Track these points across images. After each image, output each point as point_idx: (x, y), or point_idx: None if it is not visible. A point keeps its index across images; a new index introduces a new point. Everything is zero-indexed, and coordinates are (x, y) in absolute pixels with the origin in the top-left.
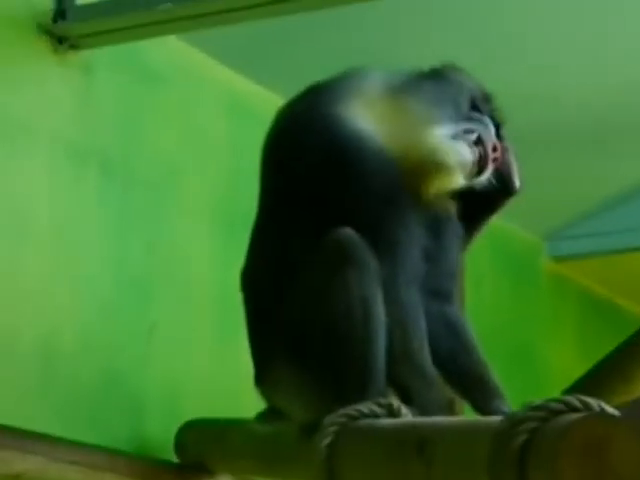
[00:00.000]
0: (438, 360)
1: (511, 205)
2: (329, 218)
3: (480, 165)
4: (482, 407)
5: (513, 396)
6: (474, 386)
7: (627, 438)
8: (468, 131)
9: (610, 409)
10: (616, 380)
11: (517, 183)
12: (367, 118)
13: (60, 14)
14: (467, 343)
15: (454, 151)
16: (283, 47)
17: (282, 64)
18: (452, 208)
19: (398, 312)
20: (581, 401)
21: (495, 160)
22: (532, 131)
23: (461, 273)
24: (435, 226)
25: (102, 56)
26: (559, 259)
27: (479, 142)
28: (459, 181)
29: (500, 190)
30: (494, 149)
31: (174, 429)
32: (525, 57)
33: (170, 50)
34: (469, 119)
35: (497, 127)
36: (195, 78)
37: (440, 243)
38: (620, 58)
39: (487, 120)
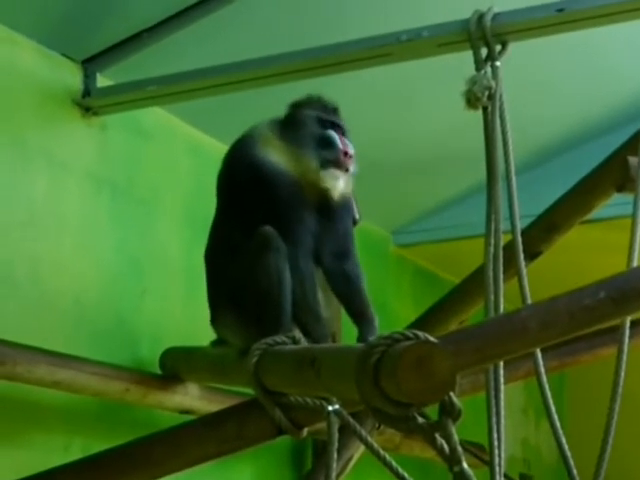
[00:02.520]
0: (339, 299)
1: (369, 210)
2: (256, 220)
3: (342, 168)
4: (360, 334)
5: None
6: (358, 318)
7: (441, 355)
8: (327, 147)
9: (431, 338)
10: (436, 322)
11: (357, 216)
12: (272, 153)
13: (87, 92)
14: (356, 288)
15: (325, 174)
16: (234, 112)
17: (233, 124)
18: (338, 199)
19: (299, 278)
20: (413, 333)
21: (350, 158)
22: (385, 161)
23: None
24: (327, 211)
25: (113, 120)
26: (401, 246)
27: (336, 153)
28: (335, 189)
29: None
30: (346, 154)
31: (159, 353)
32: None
33: (155, 115)
34: (324, 139)
35: (343, 132)
36: (172, 134)
37: (333, 222)
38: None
39: (334, 133)
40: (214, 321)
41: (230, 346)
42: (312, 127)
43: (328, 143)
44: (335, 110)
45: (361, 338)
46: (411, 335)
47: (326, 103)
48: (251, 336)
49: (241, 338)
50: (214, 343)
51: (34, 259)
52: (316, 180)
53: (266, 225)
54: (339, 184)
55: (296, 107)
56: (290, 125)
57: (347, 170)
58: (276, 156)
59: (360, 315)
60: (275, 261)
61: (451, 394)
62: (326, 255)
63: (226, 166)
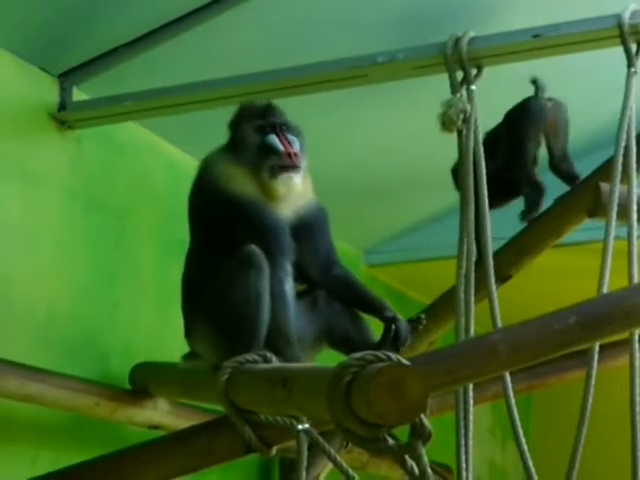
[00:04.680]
0: (344, 303)
1: (341, 229)
2: (234, 240)
3: (292, 170)
4: (379, 316)
5: None
6: (368, 307)
7: (413, 377)
8: (271, 153)
9: (403, 360)
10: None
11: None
12: (231, 183)
13: (62, 106)
14: (354, 287)
15: (278, 181)
16: (209, 129)
17: (208, 141)
18: (309, 208)
19: (273, 300)
20: (385, 355)
21: (296, 155)
22: (358, 181)
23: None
24: (306, 224)
25: (88, 133)
26: (372, 266)
27: (280, 157)
28: (292, 190)
29: None
30: (290, 154)
31: (129, 367)
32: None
33: (130, 130)
34: (264, 146)
35: (282, 126)
36: (147, 149)
37: (313, 235)
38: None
39: (272, 136)
40: (188, 333)
41: (202, 361)
42: (251, 140)
43: (270, 149)
44: (268, 108)
45: (382, 316)
46: (383, 356)
47: (257, 107)
48: (223, 351)
49: (213, 353)
50: (186, 356)
51: (6, 272)
52: (273, 191)
53: (251, 245)
54: (294, 184)
55: (233, 125)
56: (235, 146)
57: (298, 167)
58: (236, 184)
59: (369, 305)
60: (255, 279)
61: (422, 416)
62: (313, 269)
63: (193, 200)
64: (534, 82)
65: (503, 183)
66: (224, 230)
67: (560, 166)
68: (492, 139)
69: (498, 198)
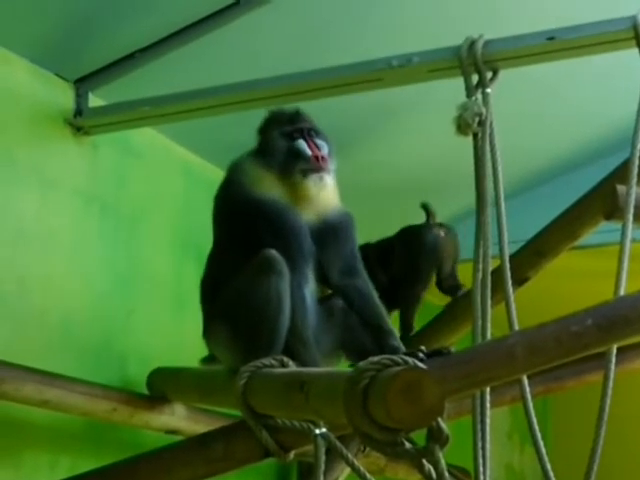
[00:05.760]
0: (355, 314)
1: (358, 231)
2: (258, 245)
3: (321, 171)
4: (381, 344)
5: None
6: (375, 331)
7: (430, 381)
8: (299, 158)
9: (420, 364)
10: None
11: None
12: (261, 187)
13: (78, 112)
14: (371, 303)
15: (308, 182)
16: (225, 134)
17: (223, 146)
18: (336, 213)
19: (292, 304)
20: (402, 359)
21: (324, 159)
22: (376, 184)
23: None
24: (331, 230)
25: (104, 139)
26: None
27: (309, 161)
28: (323, 191)
29: None
30: (318, 158)
31: (146, 373)
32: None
33: (146, 136)
34: (293, 151)
35: (310, 131)
36: (162, 154)
37: (338, 240)
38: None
39: (301, 141)
40: (206, 336)
41: (219, 365)
42: (280, 145)
43: (298, 154)
44: (296, 114)
45: (383, 349)
46: (400, 361)
47: (285, 113)
48: (242, 356)
49: (231, 355)
50: (205, 359)
51: (23, 277)
52: (304, 191)
53: (271, 249)
54: (325, 184)
55: (262, 131)
56: (263, 151)
57: (326, 170)
58: (263, 186)
59: (378, 328)
60: (276, 284)
61: (439, 420)
62: (334, 274)
63: (219, 202)
64: (425, 208)
65: (390, 295)
66: (247, 233)
67: (446, 282)
68: (384, 250)
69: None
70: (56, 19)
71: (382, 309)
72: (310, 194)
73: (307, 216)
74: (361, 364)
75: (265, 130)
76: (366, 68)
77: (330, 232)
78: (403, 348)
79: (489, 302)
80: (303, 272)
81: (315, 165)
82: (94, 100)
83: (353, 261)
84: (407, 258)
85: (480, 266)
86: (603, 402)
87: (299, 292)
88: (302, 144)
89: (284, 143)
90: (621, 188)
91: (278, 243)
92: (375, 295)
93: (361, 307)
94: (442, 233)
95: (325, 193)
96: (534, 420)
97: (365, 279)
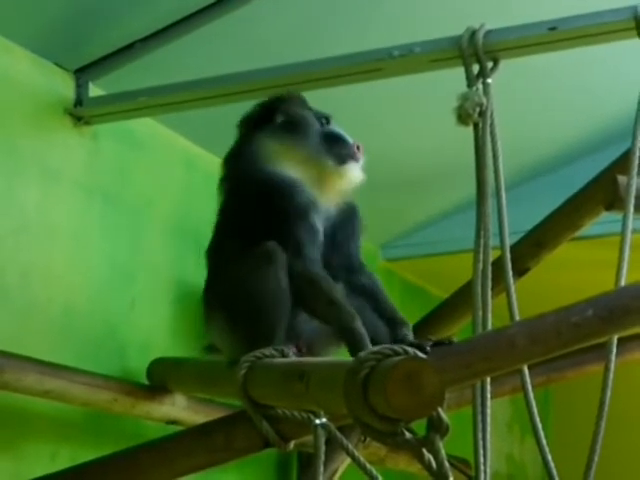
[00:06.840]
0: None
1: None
2: (264, 232)
3: (358, 160)
4: (395, 334)
5: None
6: (388, 322)
7: (430, 371)
8: (336, 143)
9: (420, 353)
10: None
11: None
12: (280, 164)
13: (78, 102)
14: (381, 298)
15: (344, 169)
16: (226, 125)
17: (224, 136)
18: (348, 205)
19: (308, 278)
20: (402, 349)
21: (359, 150)
22: (375, 175)
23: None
24: (340, 222)
25: (104, 129)
26: (389, 260)
27: (349, 147)
28: (355, 180)
29: None
30: (359, 148)
31: (147, 363)
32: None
33: (147, 126)
34: (331, 135)
35: (330, 122)
36: (164, 145)
37: (345, 233)
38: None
39: (338, 128)
40: (206, 325)
41: (220, 354)
42: (314, 126)
43: (336, 139)
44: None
45: (397, 336)
46: (400, 350)
47: (302, 98)
48: (241, 345)
49: (231, 345)
50: (205, 348)
51: (25, 267)
52: (336, 178)
53: (271, 240)
54: (358, 175)
55: (282, 108)
56: (289, 128)
57: (359, 161)
58: (285, 166)
59: (389, 318)
60: (274, 275)
61: (439, 410)
62: (337, 269)
63: (229, 183)
64: None
65: None
66: (258, 219)
67: None
68: None
69: None
70: (56, 9)
71: (391, 302)
72: (341, 181)
73: (325, 202)
74: (361, 354)
75: (288, 108)
76: (367, 58)
77: (341, 226)
78: (412, 338)
79: (489, 293)
80: (315, 254)
81: (355, 153)
82: (94, 90)
83: (358, 256)
84: None
85: (481, 257)
86: (604, 393)
87: (316, 268)
88: (340, 130)
89: (318, 125)
90: (622, 178)
91: (290, 224)
92: (383, 289)
93: (370, 303)
94: None
95: (352, 183)
96: (535, 410)
97: (370, 274)
